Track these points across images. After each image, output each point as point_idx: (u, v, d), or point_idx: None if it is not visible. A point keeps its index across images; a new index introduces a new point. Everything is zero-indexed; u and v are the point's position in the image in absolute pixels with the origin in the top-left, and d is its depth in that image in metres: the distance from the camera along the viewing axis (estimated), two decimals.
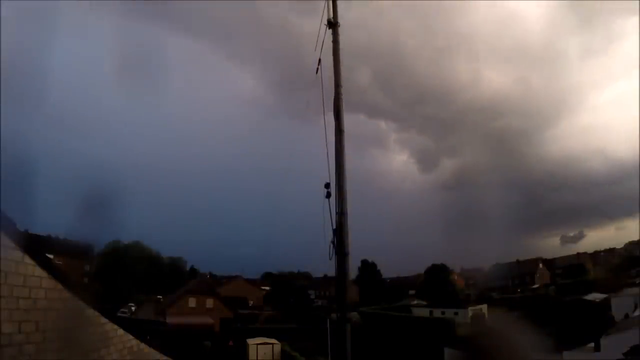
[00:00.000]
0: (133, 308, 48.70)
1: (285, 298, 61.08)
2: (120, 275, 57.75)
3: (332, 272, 6.11)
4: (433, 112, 78.39)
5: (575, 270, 74.07)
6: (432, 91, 75.94)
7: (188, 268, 77.28)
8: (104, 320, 5.24)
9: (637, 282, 44.33)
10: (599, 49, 71.30)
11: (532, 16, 71.81)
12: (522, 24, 71.10)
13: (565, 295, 50.90)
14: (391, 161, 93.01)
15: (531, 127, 79.50)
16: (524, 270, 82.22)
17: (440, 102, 76.98)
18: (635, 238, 60.88)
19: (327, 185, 6.15)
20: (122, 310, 42.77)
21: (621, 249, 75.47)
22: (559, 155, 79.92)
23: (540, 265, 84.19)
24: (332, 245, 6.00)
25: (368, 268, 73.91)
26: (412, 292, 74.71)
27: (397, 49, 74.23)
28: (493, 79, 76.31)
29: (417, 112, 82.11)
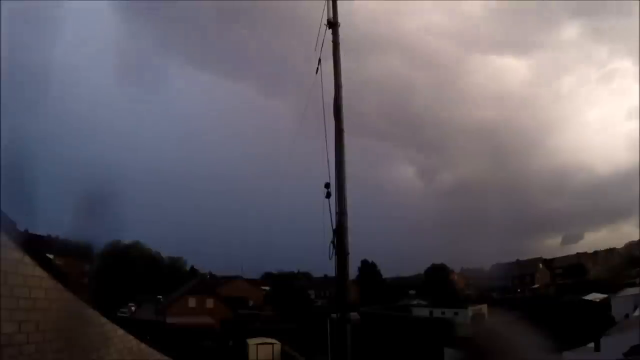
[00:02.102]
0: (133, 308, 48.67)
1: (285, 298, 61.02)
2: (120, 275, 57.67)
3: (332, 272, 6.11)
4: (432, 135, 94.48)
5: (575, 270, 74.04)
6: (431, 120, 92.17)
7: (188, 268, 77.20)
8: (104, 320, 5.24)
9: (637, 282, 44.28)
10: (571, 91, 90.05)
11: (513, 70, 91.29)
12: (505, 74, 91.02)
13: (565, 295, 50.89)
14: (394, 173, 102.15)
15: (521, 145, 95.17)
16: (524, 270, 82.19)
17: (437, 128, 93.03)
18: (629, 239, 66.55)
19: (327, 185, 6.14)
20: (122, 310, 42.75)
21: (621, 249, 75.46)
22: (550, 167, 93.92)
23: (540, 265, 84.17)
24: (332, 245, 6.00)
25: (368, 268, 73.84)
26: (412, 292, 74.66)
27: (403, 90, 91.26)
28: (483, 111, 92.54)
29: (417, 135, 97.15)
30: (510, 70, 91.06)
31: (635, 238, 66.55)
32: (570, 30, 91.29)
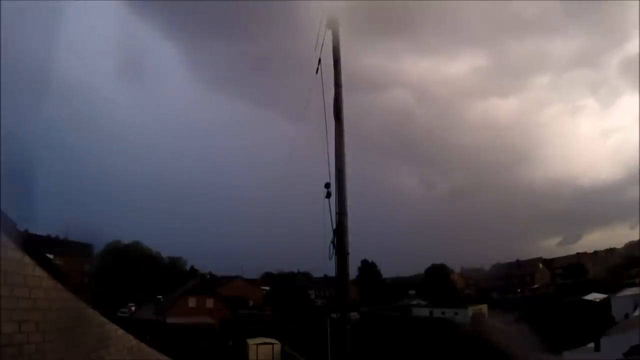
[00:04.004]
0: (133, 308, 48.65)
1: (285, 298, 61.00)
2: (120, 275, 57.65)
3: (332, 272, 6.11)
4: (432, 152, 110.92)
5: (575, 270, 74.04)
6: (431, 141, 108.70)
7: (188, 268, 77.16)
8: (104, 320, 5.24)
9: (637, 282, 44.28)
10: (550, 119, 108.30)
11: (499, 106, 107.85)
12: (492, 109, 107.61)
13: (565, 295, 50.90)
14: (397, 180, 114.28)
15: (511, 159, 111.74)
16: (524, 270, 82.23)
17: (436, 147, 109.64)
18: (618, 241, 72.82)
19: (327, 185, 6.13)
20: (122, 310, 42.73)
21: (621, 249, 75.53)
22: (540, 177, 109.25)
23: (540, 265, 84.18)
24: (332, 245, 6.00)
25: (368, 268, 73.82)
26: (412, 292, 74.66)
27: (406, 118, 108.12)
28: (476, 135, 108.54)
29: (418, 152, 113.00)
30: (497, 106, 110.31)
31: (629, 239, 72.49)
32: (541, 79, 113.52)
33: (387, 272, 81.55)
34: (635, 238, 63.44)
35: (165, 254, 74.72)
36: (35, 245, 3.98)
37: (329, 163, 6.25)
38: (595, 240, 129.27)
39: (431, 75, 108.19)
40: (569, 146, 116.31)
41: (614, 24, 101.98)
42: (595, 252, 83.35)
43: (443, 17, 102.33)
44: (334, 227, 6.00)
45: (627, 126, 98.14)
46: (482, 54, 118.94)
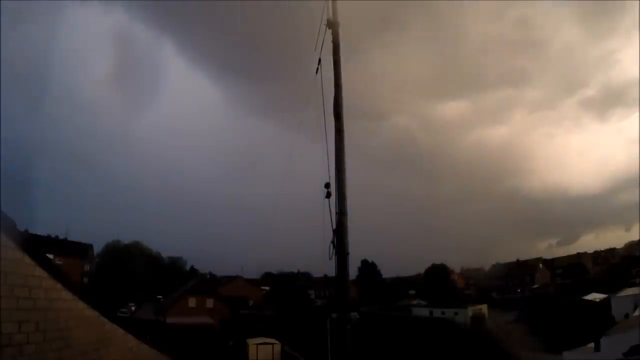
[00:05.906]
0: (133, 308, 48.67)
1: (285, 298, 60.99)
2: (120, 275, 57.68)
3: (332, 272, 6.10)
4: (432, 165, 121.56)
5: (575, 270, 74.06)
6: (430, 156, 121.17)
7: (188, 268, 77.20)
8: (104, 320, 5.23)
9: (637, 282, 44.28)
10: (536, 140, 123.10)
11: (489, 133, 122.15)
12: (484, 134, 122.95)
13: (565, 295, 50.92)
14: (400, 186, 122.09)
15: (506, 170, 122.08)
16: (524, 270, 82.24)
17: (436, 159, 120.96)
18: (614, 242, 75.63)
19: (327, 185, 6.13)
20: (122, 310, 42.74)
21: (621, 249, 75.61)
22: (534, 184, 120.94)
23: (540, 266, 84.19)
24: (332, 245, 5.99)
25: (368, 268, 73.81)
26: (412, 292, 74.65)
27: (407, 140, 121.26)
28: (473, 152, 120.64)
29: (420, 162, 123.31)
30: (485, 134, 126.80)
31: (625, 240, 75.50)
32: (515, 117, 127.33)
33: (387, 272, 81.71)
34: (632, 238, 63.79)
35: (165, 254, 74.92)
36: (35, 245, 3.97)
37: (328, 163, 6.25)
38: (591, 241, 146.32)
39: (423, 112, 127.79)
40: (554, 162, 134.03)
41: (569, 75, 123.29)
42: (596, 252, 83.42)
43: (421, 74, 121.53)
44: (334, 227, 6.00)
45: (603, 146, 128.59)
46: (462, 101, 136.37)
